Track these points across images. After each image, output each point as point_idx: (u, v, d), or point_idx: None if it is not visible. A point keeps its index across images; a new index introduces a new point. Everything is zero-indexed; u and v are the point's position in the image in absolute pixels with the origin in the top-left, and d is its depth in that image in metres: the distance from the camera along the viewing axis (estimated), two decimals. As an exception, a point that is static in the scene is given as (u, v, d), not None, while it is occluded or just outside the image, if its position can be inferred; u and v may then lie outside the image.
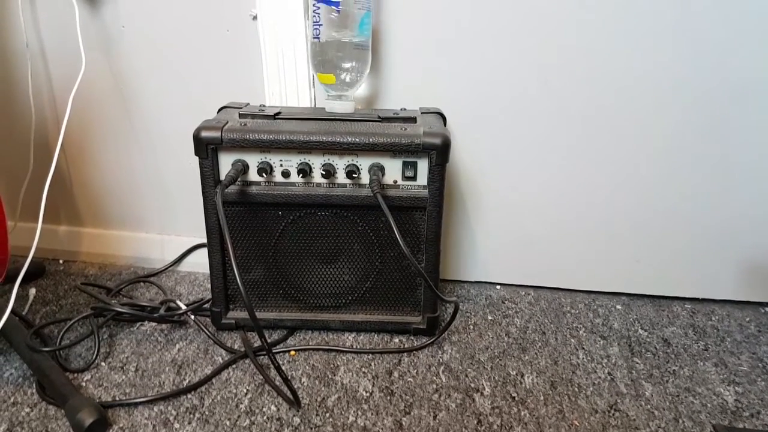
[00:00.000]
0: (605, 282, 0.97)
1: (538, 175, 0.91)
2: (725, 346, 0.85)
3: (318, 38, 0.79)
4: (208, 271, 0.81)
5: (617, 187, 0.91)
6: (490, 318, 0.90)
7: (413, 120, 0.78)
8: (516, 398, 0.73)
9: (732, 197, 0.89)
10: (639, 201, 0.91)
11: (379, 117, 0.79)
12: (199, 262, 1.02)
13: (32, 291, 0.93)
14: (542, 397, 0.73)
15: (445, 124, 0.84)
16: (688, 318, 0.92)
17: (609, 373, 0.78)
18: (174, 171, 0.99)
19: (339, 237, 0.79)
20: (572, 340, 0.85)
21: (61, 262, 1.06)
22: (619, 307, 0.95)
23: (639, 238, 0.93)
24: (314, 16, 0.79)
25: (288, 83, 0.88)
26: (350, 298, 0.83)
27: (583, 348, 0.84)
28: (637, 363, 0.81)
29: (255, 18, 0.86)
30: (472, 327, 0.88)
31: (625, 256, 0.95)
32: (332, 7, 0.77)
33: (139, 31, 0.91)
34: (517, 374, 0.77)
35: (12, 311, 0.76)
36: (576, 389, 0.75)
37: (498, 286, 1.00)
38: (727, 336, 0.88)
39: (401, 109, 0.85)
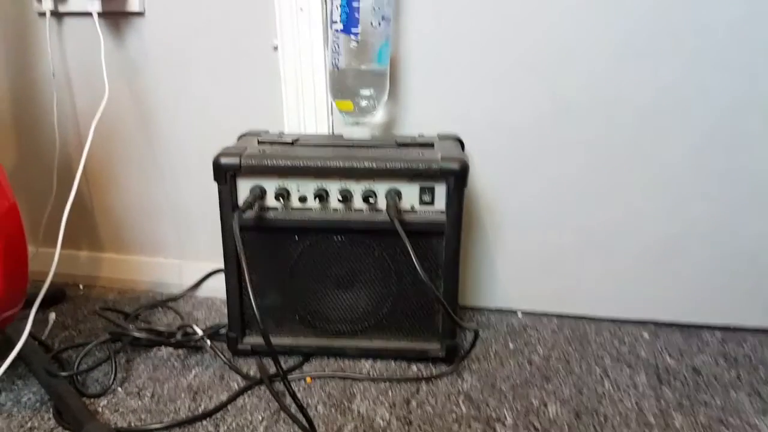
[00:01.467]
0: (631, 309, 0.95)
1: (558, 200, 0.90)
2: (758, 376, 0.82)
3: (337, 67, 0.80)
4: (225, 297, 0.81)
5: (642, 212, 0.89)
6: (511, 346, 0.88)
7: (431, 145, 0.78)
8: (539, 429, 0.71)
9: (763, 222, 0.86)
10: (665, 226, 0.89)
11: (397, 143, 0.79)
12: (217, 287, 1.02)
13: (52, 315, 0.93)
14: (566, 428, 0.71)
15: (463, 149, 0.83)
16: (719, 346, 0.89)
17: (636, 403, 0.75)
18: (193, 197, 1.00)
19: (355, 262, 0.79)
20: (597, 368, 0.83)
21: (81, 287, 1.07)
22: (645, 335, 0.92)
23: (666, 264, 0.91)
24: (334, 45, 0.80)
25: (307, 110, 0.89)
26: (367, 324, 0.82)
27: (609, 377, 0.81)
28: (666, 392, 0.78)
29: (276, 48, 0.88)
30: (492, 355, 0.86)
31: (651, 282, 0.93)
32: (352, 37, 0.78)
33: (162, 60, 0.93)
34: (540, 404, 0.75)
35: (31, 335, 0.76)
36: (602, 419, 0.72)
37: (520, 314, 0.98)
38: (761, 365, 0.84)
39: (419, 135, 0.85)
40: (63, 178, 1.00)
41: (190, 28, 0.91)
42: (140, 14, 0.92)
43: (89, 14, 0.88)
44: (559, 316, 0.97)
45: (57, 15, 0.93)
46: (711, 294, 0.92)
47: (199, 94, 0.94)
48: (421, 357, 0.83)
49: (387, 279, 0.79)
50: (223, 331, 0.85)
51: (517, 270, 0.96)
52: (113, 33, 0.93)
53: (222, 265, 0.80)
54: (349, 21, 0.78)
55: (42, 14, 0.93)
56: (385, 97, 0.84)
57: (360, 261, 0.79)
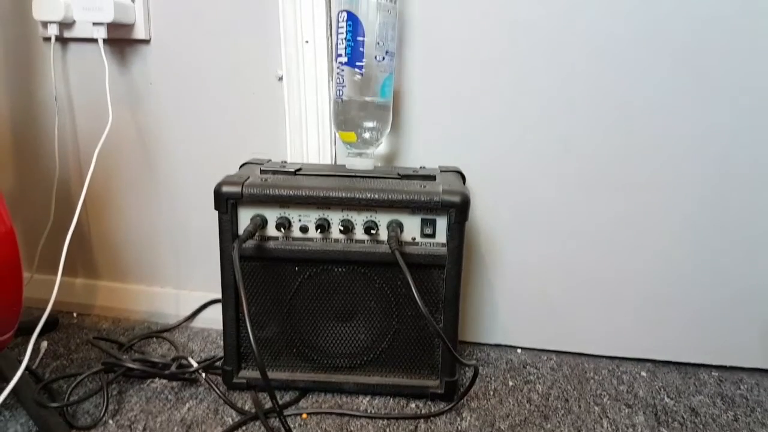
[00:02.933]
0: (629, 348, 0.94)
1: (559, 236, 0.90)
2: (756, 417, 0.81)
3: (341, 98, 0.81)
4: (222, 328, 0.80)
5: (640, 250, 0.89)
6: (511, 383, 0.87)
7: (433, 178, 0.78)
8: (539, 470, 0.69)
9: (760, 263, 0.86)
10: (664, 264, 0.89)
11: (399, 174, 0.79)
12: (213, 318, 1.01)
13: (44, 344, 0.91)
14: (567, 470, 0.69)
15: (464, 182, 0.83)
16: (716, 386, 0.88)
17: (637, 446, 0.74)
18: (193, 225, 1.00)
19: (355, 294, 0.78)
20: (596, 407, 0.81)
21: (75, 315, 1.05)
22: (644, 373, 0.91)
23: (664, 303, 0.91)
24: (338, 77, 0.80)
25: (310, 140, 0.89)
26: (365, 358, 0.81)
27: (608, 416, 0.80)
28: (667, 435, 0.77)
29: (281, 79, 0.89)
30: (492, 393, 0.84)
31: (649, 321, 0.92)
32: (356, 70, 0.79)
33: (167, 88, 0.93)
34: (539, 444, 0.74)
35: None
36: (603, 462, 0.71)
37: (519, 350, 0.97)
38: (758, 406, 0.83)
39: (421, 167, 0.85)
40: (61, 203, 1.00)
41: (195, 56, 0.92)
42: (146, 42, 0.92)
43: (94, 41, 0.89)
44: (558, 353, 0.96)
45: (62, 40, 0.94)
46: (708, 333, 0.91)
47: (203, 122, 0.94)
48: (420, 394, 0.81)
49: (387, 312, 0.78)
50: (218, 363, 0.84)
51: (517, 306, 0.95)
52: (118, 60, 0.94)
53: (219, 296, 0.79)
54: (354, 55, 0.78)
55: (47, 39, 0.93)
56: (388, 129, 0.84)
57: (360, 293, 0.78)
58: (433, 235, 0.75)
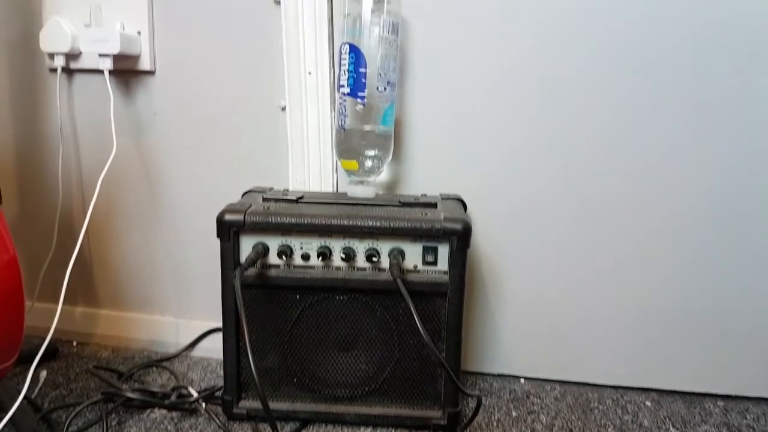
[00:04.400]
0: (634, 377, 0.93)
1: (561, 264, 0.90)
2: (765, 450, 0.80)
3: (343, 127, 0.82)
4: (222, 357, 0.79)
5: (644, 279, 0.88)
6: (514, 414, 0.86)
7: (434, 205, 0.79)
8: (544, 503, 0.68)
9: (765, 292, 0.86)
10: (667, 294, 0.88)
11: (400, 202, 0.79)
12: (213, 348, 1.00)
13: (43, 373, 0.91)
14: (572, 503, 0.68)
15: (465, 210, 0.84)
16: (722, 416, 0.87)
17: (643, 478, 0.73)
18: (194, 254, 1.00)
19: (357, 323, 0.78)
20: (602, 439, 0.80)
21: (74, 344, 1.05)
22: (648, 403, 0.90)
23: (668, 332, 0.90)
24: (340, 107, 0.81)
25: (312, 169, 0.90)
26: (367, 389, 0.80)
27: (614, 448, 0.78)
28: (674, 466, 0.75)
29: (284, 109, 0.90)
30: (495, 423, 0.83)
31: (654, 349, 0.91)
32: (358, 100, 0.80)
33: (171, 118, 0.95)
34: (544, 476, 0.72)
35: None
36: (608, 494, 0.70)
37: (522, 380, 0.96)
38: (767, 438, 0.82)
39: (422, 195, 0.85)
40: (63, 231, 1.00)
41: (199, 87, 0.93)
42: (151, 73, 0.94)
43: (100, 71, 0.90)
44: (562, 383, 0.95)
45: (68, 71, 0.96)
46: (713, 362, 0.90)
47: (206, 151, 0.95)
48: (423, 425, 0.80)
49: (389, 341, 0.78)
50: (218, 393, 0.83)
51: (520, 335, 0.94)
52: (123, 90, 0.95)
53: (220, 324, 0.79)
54: (356, 85, 0.80)
55: (53, 70, 0.95)
56: (390, 158, 0.85)
57: (362, 322, 0.77)
58: (434, 263, 0.75)
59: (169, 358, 1.00)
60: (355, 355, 0.79)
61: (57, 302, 0.77)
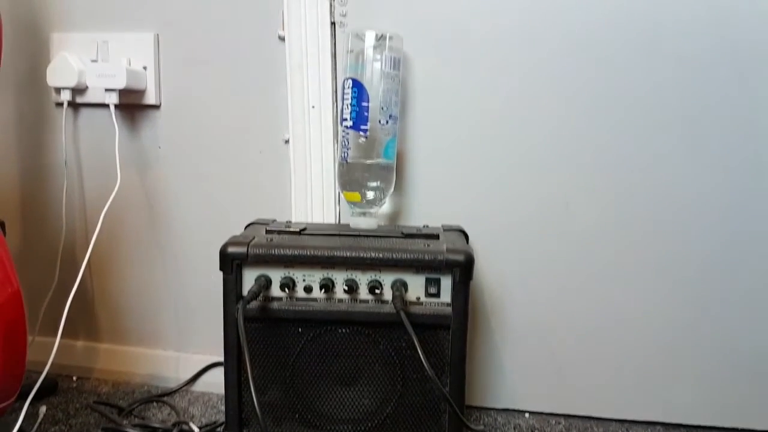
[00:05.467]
0: (639, 410, 0.91)
1: (565, 296, 0.90)
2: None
3: (346, 160, 0.82)
4: (223, 392, 0.78)
5: (650, 311, 0.88)
6: (519, 449, 0.84)
7: (436, 237, 0.79)
8: None
9: (769, 322, 0.86)
10: (675, 326, 0.88)
11: (403, 233, 0.79)
12: (214, 382, 0.99)
13: (42, 409, 0.89)
14: None
15: (467, 241, 0.84)
16: (730, 451, 0.85)
17: None
18: (196, 287, 0.99)
19: (359, 356, 0.77)
20: (609, 475, 0.79)
21: (74, 378, 1.04)
22: (656, 438, 0.88)
23: (674, 365, 0.89)
24: (343, 140, 0.82)
25: (314, 200, 0.90)
26: (370, 425, 0.78)
27: (622, 485, 0.77)
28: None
29: (287, 142, 0.91)
30: (500, 458, 0.82)
31: (660, 383, 0.90)
32: (361, 133, 0.81)
33: (175, 151, 0.96)
34: None
35: (20, 431, 0.73)
36: None
37: (527, 414, 0.94)
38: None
39: (424, 226, 0.85)
40: (66, 265, 1.00)
41: (204, 121, 0.94)
42: (156, 107, 0.95)
43: (106, 106, 0.91)
44: (567, 417, 0.94)
45: (74, 105, 0.97)
46: (719, 395, 0.89)
47: (209, 184, 0.96)
48: (426, 460, 0.79)
49: (392, 376, 0.77)
50: (220, 429, 0.82)
51: (524, 369, 0.93)
52: (128, 124, 0.96)
53: (221, 358, 0.78)
54: (359, 119, 0.81)
55: (59, 104, 0.96)
56: (392, 189, 0.85)
57: (364, 355, 0.77)
58: (438, 295, 0.75)
59: (170, 393, 0.99)
60: (357, 389, 0.78)
61: (57, 336, 0.76)
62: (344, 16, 0.88)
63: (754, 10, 0.79)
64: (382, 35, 0.81)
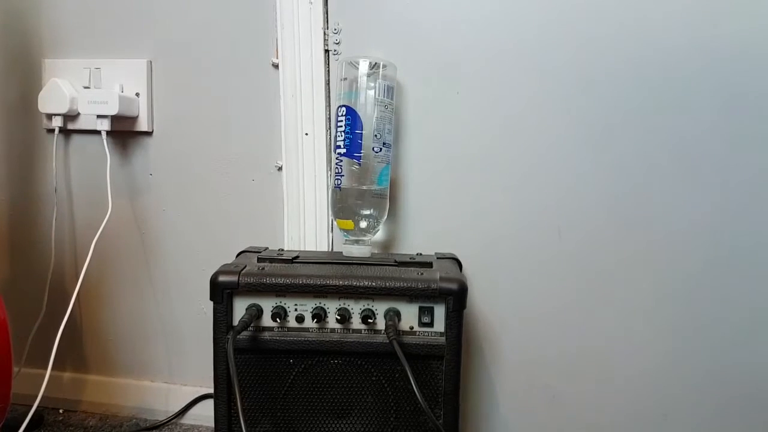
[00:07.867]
0: (637, 443, 0.90)
1: (559, 325, 0.88)
2: None
3: (339, 187, 0.82)
4: (213, 425, 0.76)
5: (645, 341, 0.87)
6: (515, 482, 0.83)
7: (429, 265, 0.78)
8: None
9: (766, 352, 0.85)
10: (671, 356, 0.87)
11: (396, 261, 0.78)
12: (204, 415, 0.97)
13: (26, 443, 0.87)
14: None
15: (461, 269, 0.83)
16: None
17: None
18: (186, 317, 0.98)
19: (352, 388, 0.75)
20: None
21: (61, 411, 1.01)
22: (656, 471, 0.86)
23: (669, 397, 0.88)
24: (337, 167, 0.82)
25: (307, 228, 0.90)
26: (363, 456, 0.77)
27: None
28: None
29: (280, 168, 0.90)
30: (496, 492, 0.80)
31: (652, 412, 0.89)
32: (354, 160, 0.81)
33: (167, 178, 0.95)
34: None
35: (1, 465, 0.71)
36: None
37: (522, 446, 0.93)
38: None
39: (417, 254, 0.84)
40: (54, 294, 0.98)
41: (196, 148, 0.94)
42: (148, 134, 0.95)
43: (98, 132, 0.91)
44: (564, 449, 0.92)
45: (65, 132, 0.96)
46: (712, 426, 0.87)
47: (201, 211, 0.95)
48: (420, 494, 0.77)
49: (385, 407, 0.75)
50: (208, 461, 0.79)
51: (518, 400, 0.92)
52: (119, 151, 0.96)
53: (211, 390, 0.76)
54: (352, 146, 0.80)
55: (50, 131, 0.95)
56: (385, 217, 0.85)
57: (357, 387, 0.75)
58: (431, 324, 0.73)
59: (158, 426, 0.96)
60: (350, 422, 0.76)
61: (44, 367, 0.75)
62: (338, 44, 0.88)
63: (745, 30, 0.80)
64: (375, 63, 0.82)
